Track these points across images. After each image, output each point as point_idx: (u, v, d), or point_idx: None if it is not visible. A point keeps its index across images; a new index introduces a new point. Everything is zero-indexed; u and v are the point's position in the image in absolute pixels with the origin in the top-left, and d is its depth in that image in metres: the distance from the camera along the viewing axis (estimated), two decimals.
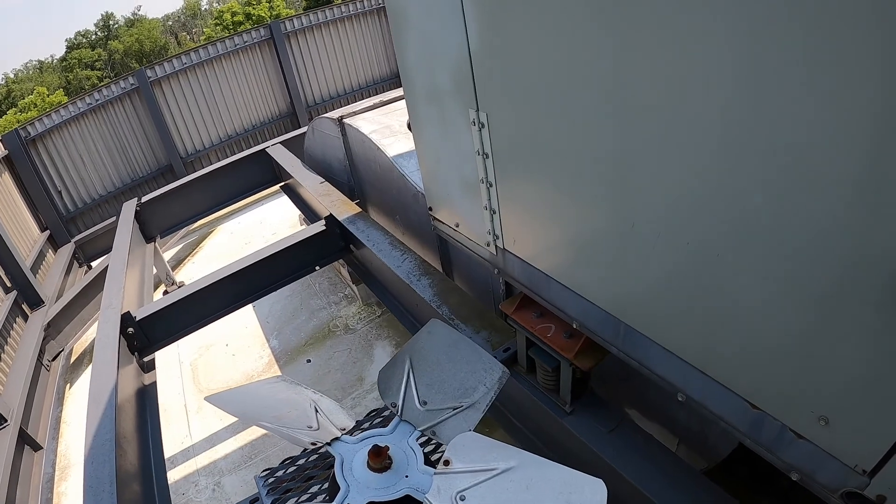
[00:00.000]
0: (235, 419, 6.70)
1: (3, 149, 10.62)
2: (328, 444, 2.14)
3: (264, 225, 12.00)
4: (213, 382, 7.72)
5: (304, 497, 2.56)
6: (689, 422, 3.18)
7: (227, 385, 7.51)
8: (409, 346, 2.42)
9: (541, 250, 2.56)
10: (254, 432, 6.60)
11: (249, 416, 2.25)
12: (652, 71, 1.60)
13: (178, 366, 8.33)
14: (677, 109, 1.58)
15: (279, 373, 7.32)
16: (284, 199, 9.81)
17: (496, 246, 2.83)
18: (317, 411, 2.28)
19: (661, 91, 1.61)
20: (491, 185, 2.61)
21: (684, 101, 1.55)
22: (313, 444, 2.12)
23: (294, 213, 10.38)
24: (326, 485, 2.60)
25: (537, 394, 3.12)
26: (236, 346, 8.25)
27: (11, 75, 66.11)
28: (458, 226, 3.15)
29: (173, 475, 6.25)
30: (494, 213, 2.70)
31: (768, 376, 1.70)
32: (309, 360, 7.32)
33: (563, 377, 2.88)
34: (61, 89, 52.41)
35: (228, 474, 6.25)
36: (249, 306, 8.40)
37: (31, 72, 67.35)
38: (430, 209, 3.42)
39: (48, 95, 48.31)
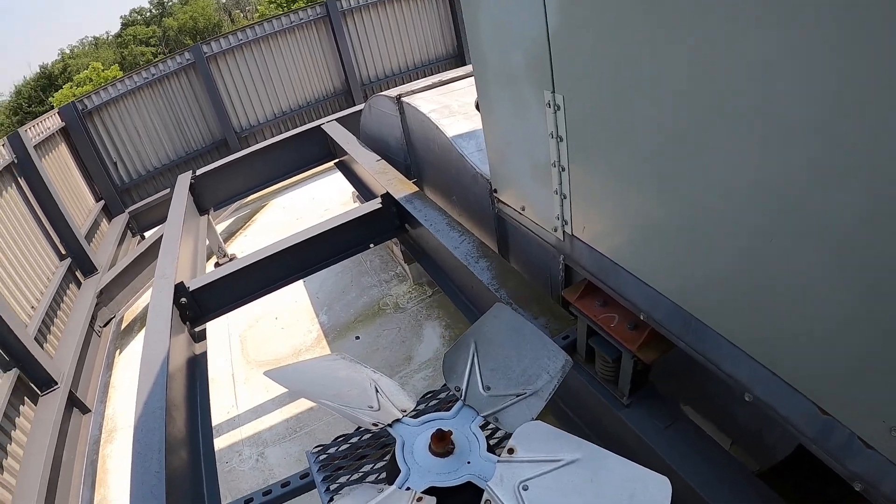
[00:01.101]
0: (282, 391, 6.79)
1: (60, 121, 10.91)
2: (389, 425, 2.12)
3: (316, 201, 12.07)
4: (262, 355, 7.81)
5: (356, 476, 2.56)
6: (746, 422, 3.08)
7: (276, 358, 7.60)
8: (474, 329, 2.38)
9: (611, 237, 2.49)
10: (299, 406, 6.64)
11: (309, 392, 2.24)
12: (743, 57, 1.52)
13: (228, 337, 8.44)
14: (766, 96, 1.51)
15: (327, 348, 7.38)
16: (337, 176, 9.83)
17: (564, 232, 2.78)
18: (377, 391, 2.27)
19: (750, 78, 1.53)
20: (563, 169, 2.55)
21: (773, 88, 1.48)
22: (375, 424, 2.10)
23: (347, 190, 10.41)
24: (379, 464, 2.60)
25: (594, 384, 3.07)
26: (286, 320, 8.32)
27: (67, 51, 67.55)
28: (524, 209, 3.10)
29: (218, 444, 6.33)
30: (565, 197, 2.64)
31: (841, 382, 1.64)
32: (358, 337, 7.34)
33: (624, 369, 2.82)
34: (116, 65, 53.41)
35: (272, 445, 6.30)
36: (300, 281, 8.48)
37: (86, 47, 68.67)
38: (495, 191, 3.37)
39: (103, 70, 49.22)
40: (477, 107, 3.28)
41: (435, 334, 6.93)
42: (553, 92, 2.41)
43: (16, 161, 8.66)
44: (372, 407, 2.16)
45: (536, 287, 3.72)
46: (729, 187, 1.74)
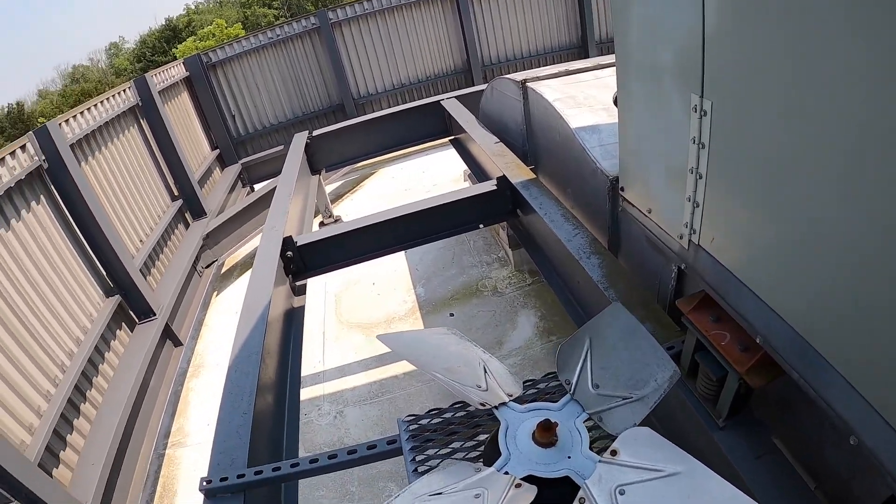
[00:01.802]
0: (370, 355, 6.95)
1: (184, 70, 11.54)
2: (495, 407, 2.14)
3: (426, 175, 12.22)
4: (354, 317, 8.02)
5: (445, 451, 2.60)
6: (837, 468, 2.93)
7: (368, 322, 7.79)
8: (589, 325, 2.37)
9: (739, 253, 2.42)
10: (384, 372, 6.80)
11: (421, 362, 2.29)
12: None
13: (324, 295, 8.71)
14: None
15: (420, 320, 7.49)
16: (448, 153, 9.89)
17: (689, 240, 2.71)
18: (485, 371, 2.29)
19: None
20: (700, 177, 2.49)
21: None
22: (482, 404, 2.12)
23: (458, 167, 10.49)
24: (469, 443, 2.63)
25: (692, 400, 2.98)
26: (382, 287, 8.50)
27: (193, 6, 69.88)
28: (650, 211, 3.04)
29: (301, 395, 6.56)
30: (697, 206, 2.57)
31: None
32: (452, 315, 7.41)
33: (727, 389, 2.72)
34: (239, 23, 54.95)
35: (352, 405, 6.48)
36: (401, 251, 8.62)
37: (211, 4, 70.76)
38: (622, 189, 3.32)
39: (226, 27, 50.82)
40: (615, 102, 3.22)
41: (529, 323, 6.92)
42: (702, 97, 2.35)
43: (140, 104, 9.20)
44: (480, 387, 2.19)
45: (646, 292, 3.65)
46: (875, 215, 1.66)
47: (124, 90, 8.90)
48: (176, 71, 11.14)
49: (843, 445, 2.21)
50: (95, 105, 7.91)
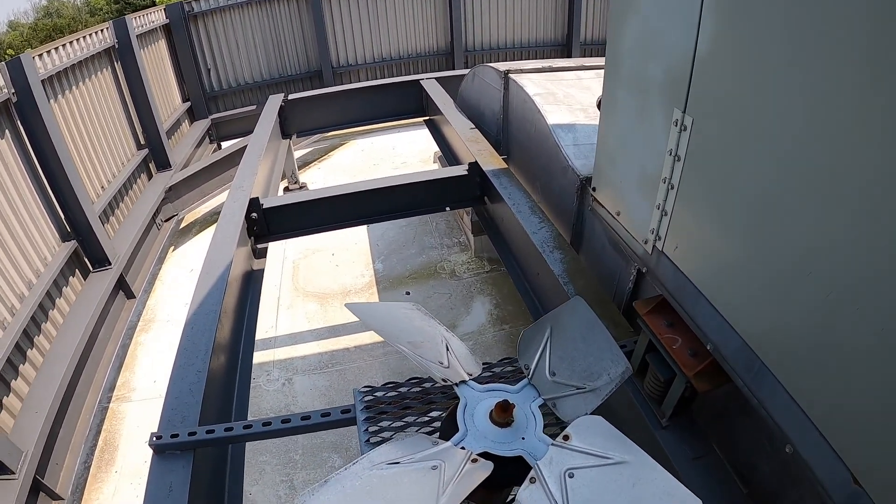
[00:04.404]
0: (323, 325, 6.96)
1: (164, 17, 11.22)
2: (456, 384, 2.22)
3: (395, 152, 12.18)
4: (311, 286, 8.01)
5: (398, 423, 2.68)
6: (767, 478, 3.10)
7: (324, 292, 7.79)
8: (552, 315, 2.45)
9: (701, 263, 2.54)
10: (335, 343, 6.82)
11: (387, 333, 2.34)
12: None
13: (282, 261, 8.67)
14: None
15: (376, 295, 7.53)
16: (420, 133, 9.86)
17: (654, 246, 2.83)
18: (447, 349, 2.36)
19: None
20: (672, 188, 2.60)
21: None
22: (444, 380, 2.20)
23: (428, 148, 10.49)
24: (422, 418, 2.72)
25: (639, 398, 3.11)
26: (341, 259, 8.50)
27: None
28: (618, 214, 3.15)
29: None
30: (665, 214, 2.69)
31: (882, 456, 1.68)
32: (408, 293, 7.46)
33: (673, 391, 2.86)
34: None
35: (301, 374, 6.50)
36: (364, 225, 8.60)
37: None
38: (594, 189, 3.42)
39: None
40: (598, 105, 3.31)
41: (483, 309, 7.01)
42: (684, 112, 2.45)
43: (116, 45, 8.96)
44: (442, 363, 2.26)
45: (603, 292, 3.77)
46: (834, 248, 1.78)
47: (102, 30, 8.64)
48: (156, 17, 10.85)
49: (777, 456, 2.35)
50: (71, 42, 7.67)
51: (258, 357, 6.66)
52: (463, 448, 1.97)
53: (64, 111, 7.34)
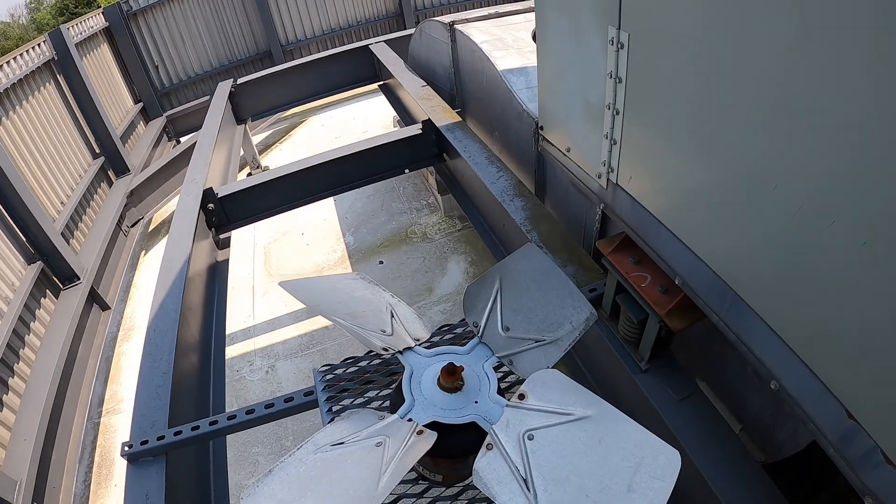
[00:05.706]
0: (300, 307, 6.81)
1: (103, 21, 10.84)
2: (400, 352, 2.05)
3: (356, 121, 11.94)
4: (284, 269, 7.84)
5: (360, 400, 2.52)
6: (760, 411, 2.97)
7: (298, 273, 7.62)
8: (500, 266, 2.28)
9: (658, 191, 2.35)
10: (315, 323, 6.69)
11: (322, 308, 2.17)
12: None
13: (252, 248, 8.49)
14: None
15: (350, 268, 7.37)
16: (380, 99, 9.66)
17: (608, 179, 2.64)
18: (392, 316, 2.19)
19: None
20: (618, 113, 2.40)
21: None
22: (385, 349, 2.03)
23: (388, 114, 10.28)
24: (385, 392, 2.55)
25: (615, 343, 2.96)
26: (312, 237, 8.32)
27: None
28: (568, 150, 2.95)
29: (231, 352, 6.43)
30: (615, 143, 2.49)
31: (876, 389, 1.52)
32: (382, 262, 7.32)
33: (648, 332, 2.70)
34: None
35: (283, 359, 6.39)
36: (330, 200, 8.41)
37: None
38: (541, 128, 3.22)
39: None
40: (534, 37, 3.09)
41: (459, 269, 6.90)
42: (619, 28, 2.24)
43: (56, 58, 8.66)
44: (385, 332, 2.09)
45: (569, 234, 3.60)
46: (798, 156, 1.60)
47: (39, 44, 8.32)
48: (94, 21, 10.44)
49: (765, 390, 2.19)
50: (8, 62, 7.36)
51: (240, 348, 6.64)
52: (410, 420, 1.80)
53: (10, 132, 7.08)
